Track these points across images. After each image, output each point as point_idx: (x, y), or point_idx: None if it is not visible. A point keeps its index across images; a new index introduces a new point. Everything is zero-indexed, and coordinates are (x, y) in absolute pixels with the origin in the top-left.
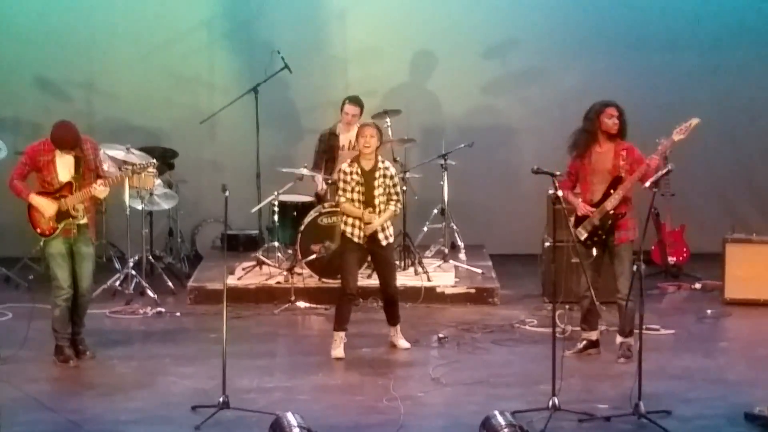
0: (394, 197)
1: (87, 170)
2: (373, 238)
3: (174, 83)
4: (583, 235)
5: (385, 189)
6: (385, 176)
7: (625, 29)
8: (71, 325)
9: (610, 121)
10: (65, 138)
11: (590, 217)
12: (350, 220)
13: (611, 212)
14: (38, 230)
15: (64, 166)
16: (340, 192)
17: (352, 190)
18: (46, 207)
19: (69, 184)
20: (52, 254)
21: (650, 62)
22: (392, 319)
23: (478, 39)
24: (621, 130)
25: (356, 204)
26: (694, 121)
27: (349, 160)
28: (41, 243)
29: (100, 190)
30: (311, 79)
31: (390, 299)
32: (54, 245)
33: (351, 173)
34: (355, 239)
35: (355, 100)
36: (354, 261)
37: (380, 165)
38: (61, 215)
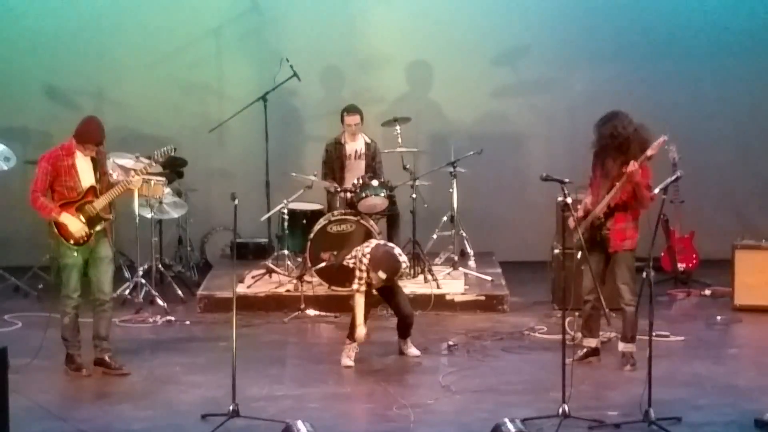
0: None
1: (102, 173)
2: None
3: (183, 92)
4: (576, 237)
5: None
6: None
7: (634, 37)
8: (96, 338)
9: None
10: (96, 131)
11: (584, 220)
12: (359, 273)
13: (598, 219)
14: (72, 241)
15: (84, 170)
16: (361, 281)
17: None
18: (75, 225)
19: (92, 188)
20: (70, 264)
21: (659, 70)
22: (404, 335)
23: (487, 46)
24: (622, 145)
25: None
26: (662, 139)
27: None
28: (59, 249)
29: (136, 180)
30: (320, 87)
31: (407, 321)
32: (77, 256)
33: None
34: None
35: (354, 109)
36: None
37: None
38: (92, 221)
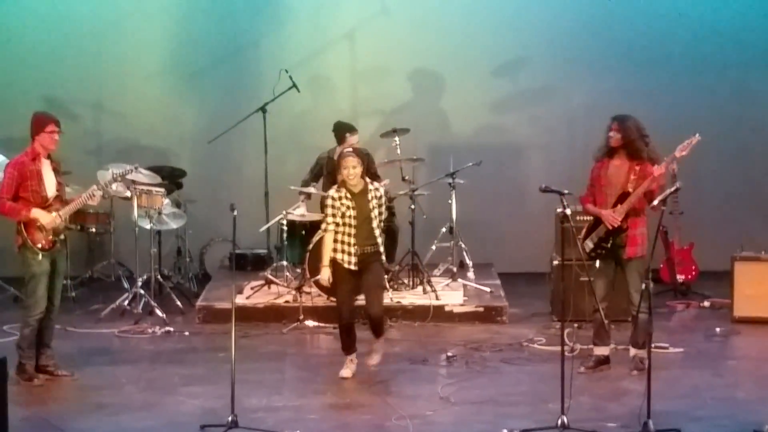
0: (381, 217)
1: (60, 184)
2: (365, 254)
3: (182, 102)
4: (589, 247)
5: (378, 209)
6: (377, 197)
7: (632, 48)
8: (43, 346)
9: (609, 134)
10: (48, 115)
11: (598, 228)
12: (340, 246)
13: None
14: (38, 246)
15: (49, 179)
16: (329, 219)
17: (343, 215)
18: (46, 218)
19: (59, 197)
20: (38, 273)
21: (658, 81)
22: (377, 334)
23: (487, 57)
24: (626, 145)
25: (346, 229)
26: (695, 139)
27: (335, 186)
28: (25, 258)
29: (98, 195)
30: (319, 98)
31: (376, 320)
32: (43, 263)
33: (340, 198)
34: (346, 265)
35: (356, 129)
36: (347, 291)
37: (370, 187)
38: (57, 229)
